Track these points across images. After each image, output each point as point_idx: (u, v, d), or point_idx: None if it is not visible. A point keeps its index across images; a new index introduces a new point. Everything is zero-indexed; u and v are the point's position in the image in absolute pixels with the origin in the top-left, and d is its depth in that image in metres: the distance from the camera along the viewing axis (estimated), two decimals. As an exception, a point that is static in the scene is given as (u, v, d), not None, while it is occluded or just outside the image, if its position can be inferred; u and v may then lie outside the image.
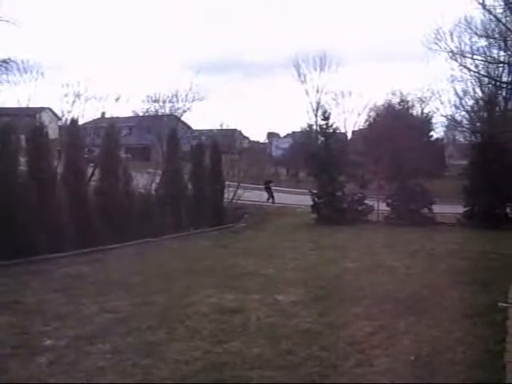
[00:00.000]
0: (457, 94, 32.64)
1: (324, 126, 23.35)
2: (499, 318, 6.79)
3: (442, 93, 38.13)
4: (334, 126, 24.56)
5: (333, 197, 22.13)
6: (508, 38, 14.98)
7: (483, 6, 15.65)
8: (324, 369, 5.26)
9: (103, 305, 7.99)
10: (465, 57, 22.50)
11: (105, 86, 52.17)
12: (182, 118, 46.58)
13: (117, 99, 30.51)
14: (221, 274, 10.51)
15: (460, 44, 25.29)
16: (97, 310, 7.71)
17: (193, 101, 44.56)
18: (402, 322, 6.85)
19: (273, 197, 29.07)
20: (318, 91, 55.23)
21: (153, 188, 20.47)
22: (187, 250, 14.67)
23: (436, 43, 25.02)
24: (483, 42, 24.04)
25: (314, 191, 22.68)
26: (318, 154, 23.73)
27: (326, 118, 23.17)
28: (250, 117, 77.48)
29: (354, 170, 25.12)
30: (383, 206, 22.56)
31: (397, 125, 37.64)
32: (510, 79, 18.71)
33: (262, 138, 60.67)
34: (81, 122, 22.75)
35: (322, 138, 23.97)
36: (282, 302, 8.21)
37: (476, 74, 24.62)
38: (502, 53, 20.42)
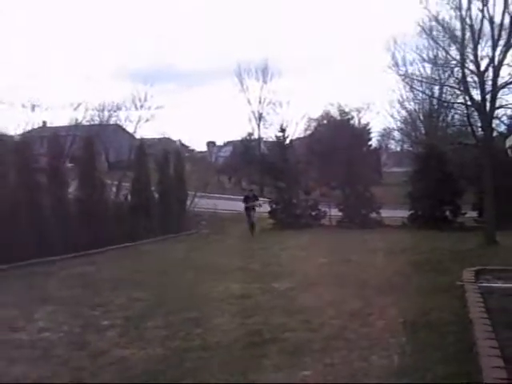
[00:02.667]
0: (394, 106, 35.54)
1: (281, 138, 25.12)
2: (459, 293, 8.68)
3: (377, 104, 40.95)
4: (286, 136, 26.38)
5: (289, 203, 23.96)
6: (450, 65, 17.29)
7: (430, 35, 17.86)
8: (339, 330, 6.89)
9: (128, 296, 9.33)
10: (414, 79, 25.11)
11: (33, 94, 51.68)
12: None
13: (46, 108, 30.34)
14: (213, 269, 11.99)
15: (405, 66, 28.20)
16: (126, 300, 9.05)
17: (136, 109, 44.94)
18: (384, 299, 8.58)
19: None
20: (260, 102, 56.83)
21: (121, 197, 21.72)
22: (168, 251, 16.07)
23: (390, 67, 27.64)
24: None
25: (270, 198, 24.49)
26: (274, 163, 25.50)
27: (283, 131, 25.08)
28: (188, 126, 78.48)
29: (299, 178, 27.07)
30: (334, 212, 24.60)
31: (339, 135, 40.03)
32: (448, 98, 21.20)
33: (201, 147, 61.50)
34: (18, 131, 23.06)
35: (277, 149, 25.84)
36: (279, 288, 9.80)
37: (421, 94, 27.30)
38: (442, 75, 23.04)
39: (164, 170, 22.45)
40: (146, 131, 30.10)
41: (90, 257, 14.35)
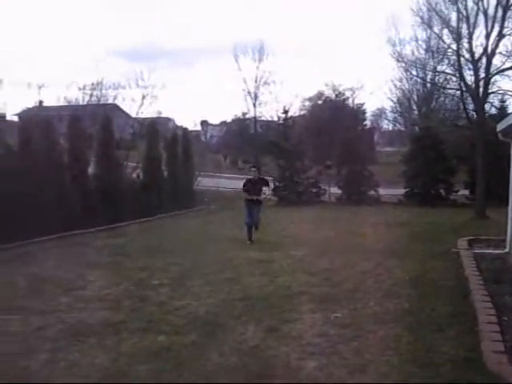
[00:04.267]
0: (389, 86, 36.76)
1: (284, 119, 26.33)
2: (455, 257, 10.13)
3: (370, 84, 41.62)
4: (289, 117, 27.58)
5: (291, 181, 25.26)
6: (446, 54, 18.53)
7: (427, 25, 19.12)
8: (356, 285, 8.26)
9: (164, 261, 10.63)
10: (409, 64, 26.29)
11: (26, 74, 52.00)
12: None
13: (40, 87, 30.70)
14: (232, 240, 13.30)
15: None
16: (164, 264, 10.34)
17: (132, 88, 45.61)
18: (390, 262, 9.96)
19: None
20: (256, 81, 57.59)
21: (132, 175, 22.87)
22: (186, 225, 17.38)
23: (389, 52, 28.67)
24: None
25: (274, 176, 25.75)
26: (277, 142, 26.72)
27: (286, 112, 26.26)
28: (182, 105, 79.04)
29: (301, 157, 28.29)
30: (333, 190, 25.96)
31: (335, 114, 41.20)
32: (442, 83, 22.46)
33: (194, 126, 62.00)
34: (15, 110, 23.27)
35: (282, 129, 26.99)
36: (297, 255, 11.14)
37: (417, 79, 28.57)
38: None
39: (173, 149, 23.56)
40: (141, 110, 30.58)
41: (114, 230, 15.61)
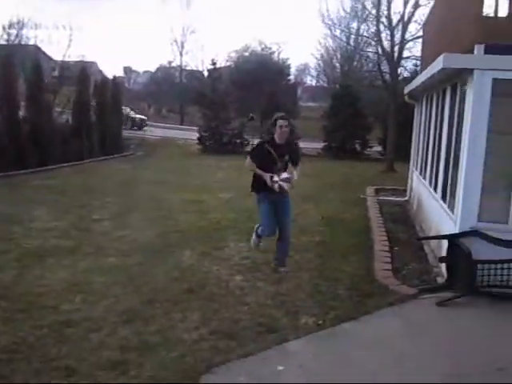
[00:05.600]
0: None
1: (211, 70, 27.03)
2: (362, 202, 11.67)
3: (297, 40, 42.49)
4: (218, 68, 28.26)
5: (217, 131, 26.21)
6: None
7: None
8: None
9: (102, 200, 11.52)
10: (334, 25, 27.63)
11: None
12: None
13: None
14: (164, 183, 14.25)
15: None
16: (102, 203, 11.25)
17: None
18: (306, 205, 11.29)
19: None
20: (183, 30, 57.32)
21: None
22: (117, 169, 18.07)
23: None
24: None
25: (200, 125, 26.64)
26: (204, 93, 27.45)
27: (214, 64, 26.95)
28: (105, 49, 77.10)
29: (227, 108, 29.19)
30: (256, 140, 27.09)
31: (260, 68, 42.00)
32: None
33: (117, 72, 60.85)
34: None
35: (209, 80, 27.70)
36: (224, 197, 12.32)
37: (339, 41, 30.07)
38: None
39: (102, 95, 23.84)
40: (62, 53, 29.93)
41: (47, 172, 16.17)
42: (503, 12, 6.89)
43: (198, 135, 26.63)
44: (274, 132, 6.71)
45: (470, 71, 6.31)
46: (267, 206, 6.82)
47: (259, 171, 6.69)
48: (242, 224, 9.27)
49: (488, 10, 6.86)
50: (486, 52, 6.39)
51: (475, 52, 6.41)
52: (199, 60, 53.63)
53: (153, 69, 62.38)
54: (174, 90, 54.19)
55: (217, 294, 5.88)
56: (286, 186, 6.61)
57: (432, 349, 4.72)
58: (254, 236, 7.21)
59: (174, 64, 57.91)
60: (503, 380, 4.24)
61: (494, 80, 6.21)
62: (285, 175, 6.66)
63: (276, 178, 6.58)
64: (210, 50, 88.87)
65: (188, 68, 58.24)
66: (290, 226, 7.03)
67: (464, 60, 6.50)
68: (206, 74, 53.44)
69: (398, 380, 4.16)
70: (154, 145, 28.55)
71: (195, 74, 55.34)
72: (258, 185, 6.84)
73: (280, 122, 6.64)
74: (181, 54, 56.96)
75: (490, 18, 6.76)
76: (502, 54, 6.20)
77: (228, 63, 52.70)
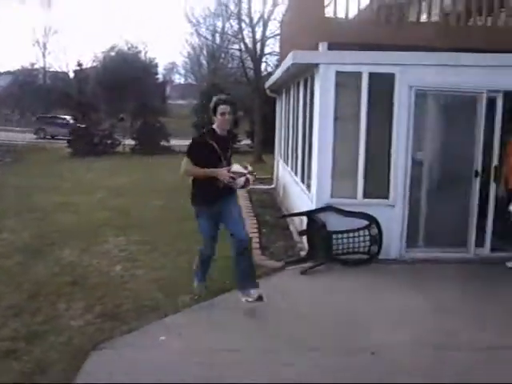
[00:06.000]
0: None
1: (77, 71, 26.61)
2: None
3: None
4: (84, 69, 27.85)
5: (87, 133, 25.86)
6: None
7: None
8: (148, 217, 9.92)
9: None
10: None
11: None
12: None
13: None
14: (37, 189, 13.99)
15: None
16: None
17: None
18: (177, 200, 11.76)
19: None
20: (45, 31, 55.45)
21: None
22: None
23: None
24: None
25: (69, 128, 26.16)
26: (69, 94, 26.95)
27: (80, 65, 26.52)
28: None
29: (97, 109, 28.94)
30: (129, 141, 27.18)
31: (127, 67, 41.64)
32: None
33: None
34: None
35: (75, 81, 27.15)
36: (96, 197, 12.43)
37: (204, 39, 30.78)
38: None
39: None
40: None
41: None
42: (342, 14, 7.76)
43: (67, 138, 26.14)
44: (214, 121, 5.40)
45: (317, 65, 7.13)
46: (206, 212, 5.52)
47: (208, 170, 5.22)
48: (116, 221, 9.61)
49: (330, 12, 7.72)
50: (330, 49, 7.23)
51: (320, 49, 7.23)
52: (63, 61, 51.90)
53: (14, 70, 59.53)
54: (38, 93, 52.03)
55: (99, 283, 6.21)
56: (251, 178, 5.48)
57: (293, 309, 5.45)
58: (195, 281, 5.92)
59: (36, 66, 55.78)
60: (356, 324, 5.03)
61: (337, 72, 7.06)
62: (239, 168, 5.40)
63: (235, 169, 5.31)
64: (74, 51, 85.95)
65: (52, 70, 56.43)
66: (246, 227, 5.98)
67: (310, 56, 7.33)
68: (71, 75, 52.37)
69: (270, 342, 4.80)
70: (21, 151, 27.55)
71: (60, 76, 53.72)
72: (202, 195, 5.47)
73: (221, 108, 5.28)
74: (43, 55, 55.09)
75: (331, 18, 7.59)
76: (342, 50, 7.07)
77: (94, 64, 51.84)
